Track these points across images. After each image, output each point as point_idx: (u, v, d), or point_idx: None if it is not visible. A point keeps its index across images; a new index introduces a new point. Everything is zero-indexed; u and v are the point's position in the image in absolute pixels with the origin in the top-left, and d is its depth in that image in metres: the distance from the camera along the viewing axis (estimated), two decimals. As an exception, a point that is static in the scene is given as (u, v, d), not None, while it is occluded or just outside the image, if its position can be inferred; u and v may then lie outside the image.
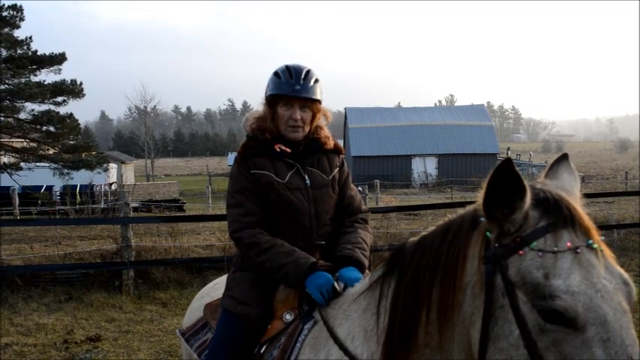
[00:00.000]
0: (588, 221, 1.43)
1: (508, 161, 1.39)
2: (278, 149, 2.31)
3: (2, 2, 19.76)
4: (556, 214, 1.41)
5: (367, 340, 1.83)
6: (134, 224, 9.18)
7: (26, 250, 9.12)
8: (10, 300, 7.54)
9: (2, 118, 20.19)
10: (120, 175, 35.69)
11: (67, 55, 20.98)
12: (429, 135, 40.66)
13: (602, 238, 1.44)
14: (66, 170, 20.26)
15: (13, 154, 21.77)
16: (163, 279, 8.22)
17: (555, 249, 1.37)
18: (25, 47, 20.43)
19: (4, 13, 19.80)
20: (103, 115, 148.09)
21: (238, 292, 2.31)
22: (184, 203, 22.36)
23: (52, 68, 20.79)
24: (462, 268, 1.53)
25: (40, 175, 21.31)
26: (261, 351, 2.15)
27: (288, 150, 2.32)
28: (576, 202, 1.52)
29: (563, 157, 1.69)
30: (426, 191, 31.78)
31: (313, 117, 2.35)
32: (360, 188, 9.50)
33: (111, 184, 25.20)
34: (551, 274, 1.34)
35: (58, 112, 20.31)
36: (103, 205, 17.35)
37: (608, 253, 1.42)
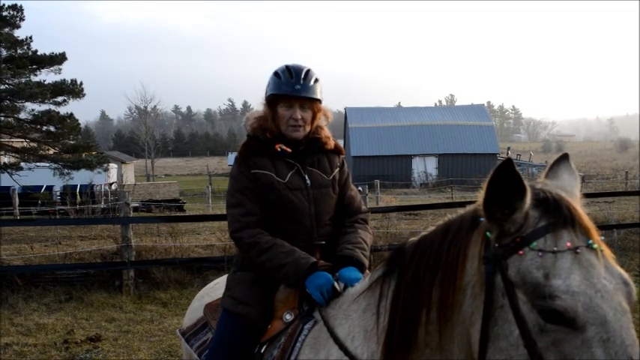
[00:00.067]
0: (588, 221, 1.43)
1: (508, 161, 1.39)
2: (279, 149, 2.31)
3: (2, 2, 19.78)
4: (556, 214, 1.41)
5: (367, 340, 1.83)
6: (134, 224, 9.18)
7: (26, 250, 9.12)
8: (10, 300, 7.54)
9: (2, 118, 20.20)
10: (120, 175, 35.67)
11: (67, 55, 20.98)
12: (429, 135, 40.66)
13: (602, 238, 1.44)
14: (66, 170, 20.26)
15: (14, 154, 21.77)
16: (163, 279, 8.23)
17: (555, 249, 1.37)
18: (25, 47, 20.43)
19: (4, 13, 19.80)
20: (103, 115, 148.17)
21: (238, 292, 2.31)
22: (184, 203, 22.37)
23: (52, 68, 20.79)
24: (462, 268, 1.53)
25: (40, 175, 21.31)
26: (262, 351, 2.15)
27: (289, 150, 2.32)
28: (576, 202, 1.52)
29: (564, 157, 1.69)
30: (426, 191, 31.78)
31: (314, 116, 2.35)
32: (360, 188, 9.49)
33: (111, 184, 25.20)
34: (551, 274, 1.34)
35: (58, 112, 20.31)
36: (103, 205, 17.35)
37: (608, 253, 1.42)
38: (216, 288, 2.80)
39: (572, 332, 1.31)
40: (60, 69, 20.88)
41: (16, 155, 21.57)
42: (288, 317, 2.15)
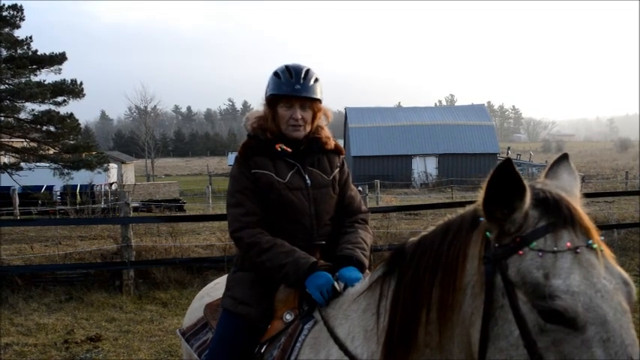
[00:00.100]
0: (588, 221, 1.43)
1: (508, 161, 1.39)
2: (279, 149, 2.31)
3: (2, 2, 19.78)
4: (556, 214, 1.41)
5: (367, 340, 1.83)
6: (134, 224, 9.18)
7: (26, 250, 9.12)
8: (10, 300, 7.54)
9: (2, 118, 20.20)
10: (120, 175, 35.67)
11: (67, 55, 20.98)
12: (429, 135, 40.65)
13: (602, 237, 1.44)
14: (66, 170, 20.26)
15: (14, 154, 21.77)
16: (164, 279, 8.23)
17: (555, 249, 1.37)
18: (25, 47, 20.43)
19: (4, 13, 19.80)
20: (103, 115, 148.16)
21: (238, 292, 2.31)
22: (184, 203, 22.36)
23: (52, 68, 20.79)
24: (462, 268, 1.53)
25: (41, 175, 21.31)
26: (262, 351, 2.15)
27: (289, 149, 2.32)
28: (576, 202, 1.52)
29: (564, 157, 1.69)
30: (426, 191, 31.78)
31: (314, 116, 2.35)
32: (360, 188, 9.49)
33: (111, 184, 25.20)
34: (551, 274, 1.34)
35: (58, 112, 20.31)
36: (103, 205, 17.35)
37: (608, 253, 1.42)
38: (216, 288, 2.80)
39: (572, 332, 1.31)
40: (60, 69, 20.90)
41: (16, 155, 21.58)
42: (288, 317, 2.15)
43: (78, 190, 18.68)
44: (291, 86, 2.26)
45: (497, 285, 1.43)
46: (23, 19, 20.31)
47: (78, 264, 8.37)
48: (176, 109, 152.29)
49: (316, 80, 2.31)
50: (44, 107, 20.36)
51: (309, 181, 2.33)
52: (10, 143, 21.71)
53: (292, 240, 2.26)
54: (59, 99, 20.35)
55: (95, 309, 7.28)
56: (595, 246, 1.39)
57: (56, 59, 20.64)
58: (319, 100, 2.34)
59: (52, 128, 20.46)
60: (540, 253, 1.37)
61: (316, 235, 2.33)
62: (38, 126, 20.48)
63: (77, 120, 21.07)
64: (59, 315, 7.04)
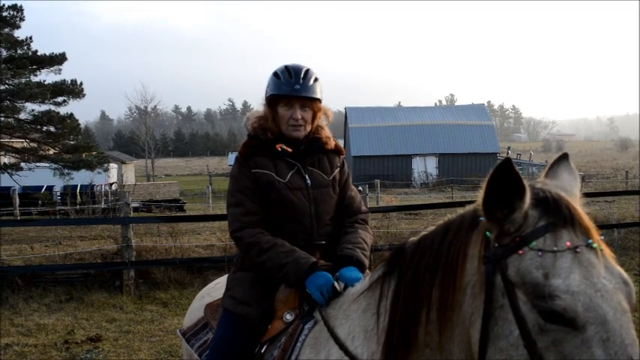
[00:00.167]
0: (588, 221, 1.43)
1: (508, 161, 1.39)
2: (279, 148, 2.31)
3: (2, 2, 19.80)
4: (555, 213, 1.41)
5: (367, 340, 1.83)
6: (134, 224, 9.18)
7: (27, 251, 9.13)
8: (10, 300, 7.54)
9: (2, 119, 20.21)
10: (120, 175, 35.69)
11: (67, 55, 21.00)
12: (429, 134, 40.65)
13: (602, 237, 1.44)
14: (66, 170, 20.27)
15: (14, 155, 21.78)
16: (164, 279, 8.23)
17: (555, 248, 1.37)
18: (25, 47, 20.44)
19: (4, 13, 19.81)
20: (103, 115, 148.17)
21: (239, 292, 2.31)
22: (185, 203, 22.37)
23: (52, 68, 20.81)
24: (461, 268, 1.53)
25: (41, 176, 21.32)
26: (262, 351, 2.15)
27: (290, 149, 2.32)
28: (576, 201, 1.52)
29: (564, 157, 1.69)
30: (427, 191, 31.79)
31: (314, 116, 2.35)
32: (360, 188, 9.50)
33: (111, 184, 25.22)
34: (550, 274, 1.34)
35: (58, 113, 20.33)
36: (103, 205, 17.38)
37: (607, 252, 1.42)
38: (216, 288, 2.80)
39: (572, 332, 1.30)
40: (60, 69, 20.92)
41: (17, 155, 21.59)
42: (289, 317, 2.15)
43: (78, 191, 18.72)
44: (291, 86, 2.26)
45: (497, 285, 1.43)
46: (23, 20, 20.33)
47: (78, 264, 8.38)
48: (176, 109, 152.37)
49: (316, 80, 2.32)
50: (44, 107, 20.42)
51: (309, 181, 2.33)
52: (10, 143, 21.73)
53: (292, 240, 2.26)
54: (59, 99, 20.37)
55: (95, 309, 7.28)
56: (595, 245, 1.39)
57: (56, 59, 20.66)
58: (319, 100, 2.34)
59: (52, 128, 20.47)
60: (540, 253, 1.37)
61: (316, 235, 2.33)
62: (38, 126, 20.49)
63: (77, 120, 21.10)
64: (59, 315, 7.04)
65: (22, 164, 21.07)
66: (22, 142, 21.36)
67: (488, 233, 1.49)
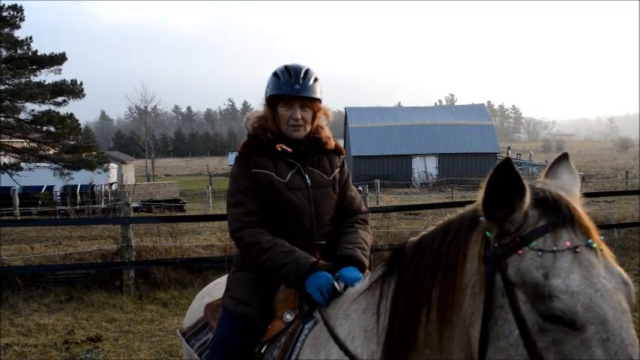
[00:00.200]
0: (588, 220, 1.43)
1: (507, 161, 1.39)
2: (279, 148, 2.31)
3: (2, 2, 19.80)
4: (555, 213, 1.41)
5: (367, 340, 1.83)
6: (134, 224, 9.18)
7: (27, 251, 9.13)
8: (10, 300, 7.54)
9: (2, 119, 20.21)
10: (120, 175, 35.69)
11: (67, 55, 21.00)
12: (429, 134, 40.65)
13: (602, 237, 1.44)
14: (66, 170, 20.27)
15: (14, 155, 21.79)
16: (164, 279, 8.23)
17: (555, 248, 1.37)
18: (25, 47, 20.44)
19: (4, 13, 19.81)
20: (103, 115, 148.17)
21: (239, 292, 2.31)
22: (185, 203, 22.37)
23: (52, 68, 20.81)
24: (461, 267, 1.53)
25: (41, 176, 21.33)
26: (262, 351, 2.15)
27: (290, 149, 2.32)
28: (576, 201, 1.51)
29: (564, 157, 1.69)
30: (427, 191, 31.79)
31: (314, 116, 2.36)
32: (360, 188, 9.49)
33: (111, 184, 25.22)
34: (550, 274, 1.34)
35: (58, 113, 20.33)
36: (103, 205, 17.38)
37: (607, 252, 1.42)
38: (216, 288, 2.80)
39: (571, 332, 1.30)
40: (60, 69, 20.92)
41: (16, 155, 21.60)
42: (289, 317, 2.15)
43: (78, 191, 18.72)
44: (291, 86, 2.26)
45: (497, 285, 1.43)
46: (23, 20, 20.33)
47: (78, 264, 8.38)
48: (176, 109, 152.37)
49: (316, 80, 2.32)
50: (44, 107, 20.42)
51: (309, 181, 2.33)
52: (10, 143, 21.73)
53: (292, 240, 2.26)
54: (59, 99, 20.37)
55: (95, 309, 7.28)
56: (595, 245, 1.39)
57: (56, 59, 20.66)
58: (319, 100, 2.34)
59: (52, 128, 20.48)
60: (540, 253, 1.37)
61: (316, 235, 2.33)
62: (38, 126, 20.50)
63: (77, 120, 21.10)
64: (59, 315, 7.04)
65: (22, 164, 21.08)
66: (22, 142, 21.36)
67: (488, 233, 1.49)
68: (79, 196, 17.83)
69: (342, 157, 2.51)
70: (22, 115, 20.50)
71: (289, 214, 2.30)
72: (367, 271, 2.26)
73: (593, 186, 25.78)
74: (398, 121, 41.95)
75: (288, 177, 2.31)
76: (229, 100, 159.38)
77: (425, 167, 39.68)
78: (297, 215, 2.30)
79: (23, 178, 20.68)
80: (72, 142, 21.00)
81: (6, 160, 22.34)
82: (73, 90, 20.44)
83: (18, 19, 20.19)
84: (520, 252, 1.40)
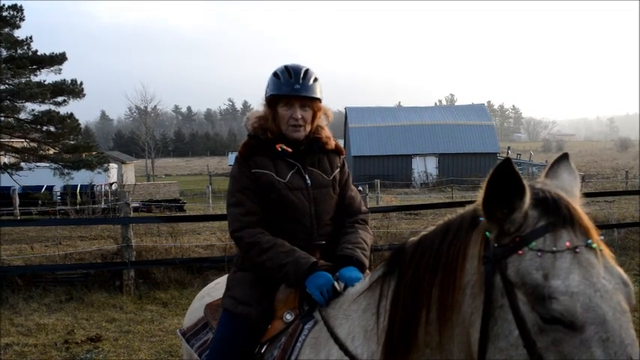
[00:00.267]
0: (587, 221, 1.43)
1: (507, 161, 1.39)
2: (279, 148, 2.31)
3: (2, 2, 19.80)
4: (555, 213, 1.41)
5: (367, 340, 1.83)
6: (134, 224, 9.18)
7: (27, 251, 9.13)
8: (10, 300, 7.55)
9: (2, 118, 20.22)
10: (120, 175, 35.70)
11: (67, 55, 21.01)
12: (429, 134, 40.65)
13: (602, 237, 1.44)
14: (66, 170, 20.28)
15: (14, 154, 21.79)
16: (164, 279, 8.23)
17: (554, 249, 1.36)
18: (25, 47, 20.46)
19: (4, 13, 19.82)
20: (103, 115, 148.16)
21: (239, 292, 2.31)
22: (185, 203, 22.36)
23: (52, 68, 20.82)
24: (461, 268, 1.53)
25: (41, 175, 21.33)
26: (262, 351, 2.15)
27: (290, 149, 2.32)
28: (576, 201, 1.51)
29: (564, 157, 1.69)
30: (427, 191, 31.79)
31: (314, 116, 2.36)
32: (360, 188, 9.49)
33: (111, 184, 25.22)
34: (550, 275, 1.34)
35: (58, 112, 20.34)
36: (103, 205, 17.38)
37: (607, 252, 1.42)
38: (216, 288, 2.80)
39: (571, 332, 1.30)
40: (60, 69, 20.94)
41: (17, 155, 21.60)
42: (289, 317, 2.15)
43: (78, 190, 18.72)
44: (291, 86, 2.26)
45: (497, 285, 1.43)
46: (23, 19, 20.35)
47: (78, 264, 8.38)
48: (176, 109, 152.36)
49: (315, 80, 2.32)
50: (44, 107, 20.43)
51: (309, 181, 2.34)
52: (10, 143, 21.73)
53: (292, 240, 2.26)
54: (59, 99, 20.38)
55: (95, 309, 7.28)
56: (594, 245, 1.39)
57: (56, 59, 20.67)
58: (319, 100, 2.34)
59: (52, 128, 20.49)
60: (539, 253, 1.37)
61: (316, 235, 2.33)
62: (38, 126, 20.51)
63: (77, 120, 21.11)
64: (59, 315, 7.04)
65: (22, 164, 21.08)
66: (22, 142, 21.37)
67: (488, 233, 1.49)
68: (79, 196, 17.83)
69: (342, 157, 2.51)
70: (22, 115, 20.51)
71: (289, 214, 2.30)
72: (367, 271, 2.26)
73: (593, 186, 25.78)
74: (398, 121, 41.96)
75: (288, 177, 2.31)
76: (229, 100, 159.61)
77: (425, 167, 39.68)
78: (297, 215, 2.30)
79: (23, 178, 20.68)
80: (72, 142, 21.01)
81: (6, 159, 22.34)
82: (73, 90, 20.45)
83: (18, 18, 20.20)
84: (520, 252, 1.40)
